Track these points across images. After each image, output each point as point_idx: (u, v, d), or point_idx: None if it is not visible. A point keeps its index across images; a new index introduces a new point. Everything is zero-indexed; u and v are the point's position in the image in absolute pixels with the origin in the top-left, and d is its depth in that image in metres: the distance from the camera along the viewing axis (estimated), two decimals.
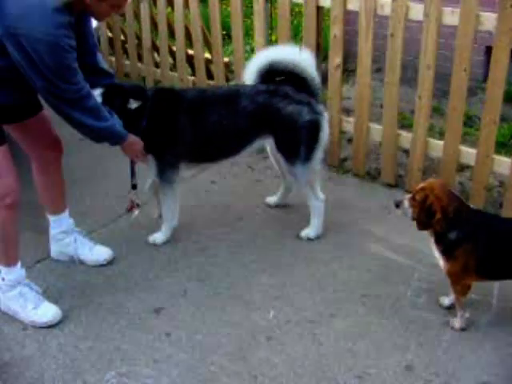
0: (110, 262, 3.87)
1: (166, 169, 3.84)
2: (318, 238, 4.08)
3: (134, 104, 3.61)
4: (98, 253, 3.86)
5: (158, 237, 4.02)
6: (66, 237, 3.84)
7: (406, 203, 3.17)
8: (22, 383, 3.02)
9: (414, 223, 3.19)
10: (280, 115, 3.78)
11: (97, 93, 3.45)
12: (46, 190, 3.71)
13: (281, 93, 3.79)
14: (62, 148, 3.63)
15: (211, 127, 3.80)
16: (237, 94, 3.83)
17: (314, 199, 4.04)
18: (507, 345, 3.17)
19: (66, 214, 3.84)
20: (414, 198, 3.14)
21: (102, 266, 3.84)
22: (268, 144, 3.97)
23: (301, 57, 3.82)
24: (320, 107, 3.88)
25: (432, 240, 3.20)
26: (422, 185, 3.16)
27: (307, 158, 3.86)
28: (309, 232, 4.09)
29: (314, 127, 3.82)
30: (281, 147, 3.87)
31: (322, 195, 4.06)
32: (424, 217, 3.10)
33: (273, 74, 3.84)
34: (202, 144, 3.85)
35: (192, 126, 3.77)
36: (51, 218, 3.82)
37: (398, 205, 3.23)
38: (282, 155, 3.89)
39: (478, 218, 3.16)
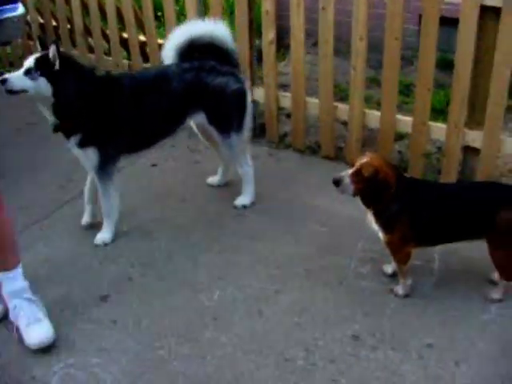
0: (55, 253, 3.81)
1: (107, 162, 3.73)
2: (252, 204, 4.18)
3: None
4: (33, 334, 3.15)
5: (106, 235, 3.89)
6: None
7: (347, 180, 3.07)
8: None
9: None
10: (209, 89, 3.81)
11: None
12: None
13: (206, 67, 3.82)
14: None
15: (147, 113, 3.77)
16: (165, 75, 3.82)
17: (245, 166, 4.12)
18: (449, 307, 3.24)
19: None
20: (357, 174, 3.05)
21: (45, 257, 3.78)
22: (196, 120, 3.98)
23: (217, 29, 3.84)
24: (242, 76, 4.00)
25: (370, 213, 3.21)
26: (363, 160, 3.07)
27: (239, 126, 3.96)
28: (243, 199, 4.16)
29: (241, 95, 3.93)
30: (213, 120, 3.92)
31: (250, 162, 4.15)
32: (374, 192, 3.06)
33: (191, 50, 3.84)
34: (140, 132, 3.81)
35: (131, 114, 3.72)
36: None
37: (337, 182, 3.09)
38: (216, 128, 3.94)
39: (413, 186, 3.19)
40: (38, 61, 3.45)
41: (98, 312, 3.35)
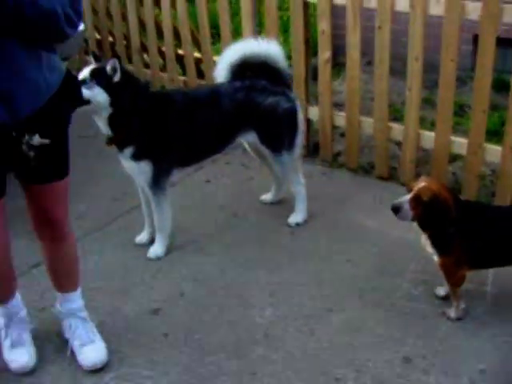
0: (108, 265, 3.87)
1: (160, 176, 3.77)
2: (305, 222, 4.18)
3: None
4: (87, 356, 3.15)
5: (159, 249, 3.93)
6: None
7: (407, 206, 3.02)
8: None
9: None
10: (260, 108, 3.85)
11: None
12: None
13: (258, 87, 3.86)
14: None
15: (200, 129, 3.82)
16: (217, 94, 3.88)
17: (297, 184, 4.14)
18: (503, 333, 3.18)
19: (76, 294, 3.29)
20: (416, 199, 3.01)
21: (98, 268, 3.84)
22: (247, 139, 4.02)
23: (271, 49, 3.87)
24: (293, 95, 4.02)
25: (424, 235, 3.19)
26: (421, 184, 3.04)
27: (291, 144, 3.98)
28: (296, 217, 4.17)
29: (293, 115, 3.96)
30: (265, 139, 3.96)
31: (303, 180, 4.17)
32: (433, 217, 3.02)
33: (244, 68, 3.88)
34: (192, 147, 3.86)
35: (184, 129, 3.77)
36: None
37: (396, 209, 3.05)
38: (268, 147, 3.97)
39: (468, 209, 3.16)
40: (93, 72, 3.51)
41: (149, 325, 3.39)
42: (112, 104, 3.52)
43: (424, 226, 3.13)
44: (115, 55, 6.31)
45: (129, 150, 3.67)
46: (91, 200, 4.59)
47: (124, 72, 3.57)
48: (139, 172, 3.75)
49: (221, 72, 3.94)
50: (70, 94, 2.75)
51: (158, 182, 3.78)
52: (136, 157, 3.69)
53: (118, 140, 3.67)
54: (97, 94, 3.49)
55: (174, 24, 5.61)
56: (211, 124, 3.85)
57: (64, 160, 2.95)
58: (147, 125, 3.67)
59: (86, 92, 3.46)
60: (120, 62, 3.52)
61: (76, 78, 3.09)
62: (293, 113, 3.96)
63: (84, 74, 3.53)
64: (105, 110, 3.54)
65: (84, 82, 3.49)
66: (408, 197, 3.04)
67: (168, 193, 3.88)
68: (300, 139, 4.06)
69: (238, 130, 3.94)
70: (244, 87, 3.86)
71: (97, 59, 3.65)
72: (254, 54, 3.85)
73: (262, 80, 3.88)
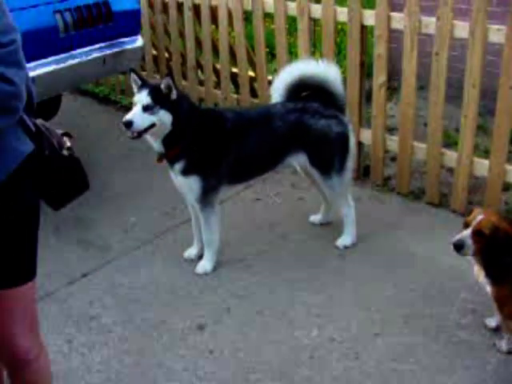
0: (156, 278, 3.90)
1: (209, 192, 3.80)
2: (354, 245, 4.16)
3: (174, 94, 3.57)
4: None
5: (207, 265, 3.95)
6: None
7: (469, 241, 2.96)
8: None
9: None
10: (312, 131, 3.87)
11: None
12: None
13: (310, 109, 3.88)
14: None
15: (249, 148, 3.85)
16: (269, 114, 3.91)
17: (346, 207, 4.13)
18: None
19: None
20: (477, 233, 2.95)
21: (146, 281, 3.88)
22: (297, 161, 4.02)
23: (328, 71, 3.89)
24: (346, 119, 4.02)
25: (478, 265, 3.14)
26: (480, 217, 2.97)
27: (341, 168, 3.98)
28: (345, 240, 4.16)
29: (344, 138, 3.96)
30: (315, 162, 3.96)
31: (352, 202, 4.15)
32: (496, 249, 2.95)
33: (300, 88, 3.91)
34: (241, 165, 3.89)
35: (233, 147, 3.81)
36: None
37: (459, 246, 2.98)
38: (318, 169, 3.98)
39: None
40: (153, 94, 3.55)
41: (195, 340, 3.40)
42: (173, 123, 3.58)
43: (485, 259, 3.06)
44: (170, 72, 6.39)
45: (179, 166, 3.72)
46: (141, 213, 4.65)
47: (177, 89, 3.64)
48: (188, 187, 3.79)
49: (277, 90, 3.97)
50: (37, 178, 2.20)
51: (206, 197, 3.81)
52: (186, 172, 3.73)
53: (170, 156, 3.72)
54: (162, 117, 3.56)
55: (230, 42, 5.66)
56: (261, 144, 3.88)
57: (22, 261, 2.22)
58: (198, 141, 3.71)
59: (151, 118, 3.54)
60: (173, 80, 3.58)
61: (58, 157, 2.27)
62: (344, 137, 3.96)
63: (143, 98, 3.55)
64: (166, 130, 3.60)
65: (147, 107, 3.53)
66: (469, 232, 2.97)
67: (217, 209, 3.91)
68: (351, 163, 4.05)
69: (288, 151, 3.96)
70: (296, 109, 3.88)
71: (141, 79, 3.69)
72: (312, 74, 3.88)
73: (315, 102, 3.90)
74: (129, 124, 3.53)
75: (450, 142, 5.04)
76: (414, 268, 3.92)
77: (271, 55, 6.30)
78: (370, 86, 4.75)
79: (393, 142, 4.72)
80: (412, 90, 4.42)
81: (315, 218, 4.43)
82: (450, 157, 4.45)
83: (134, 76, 3.69)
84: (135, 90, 3.66)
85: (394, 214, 4.54)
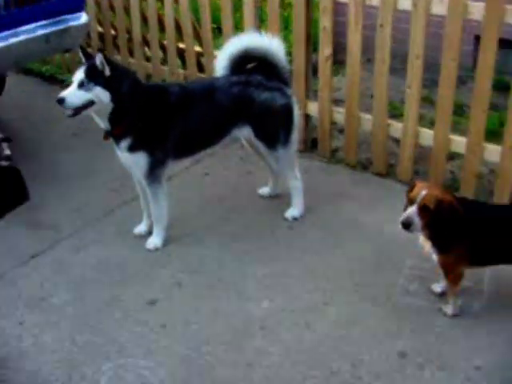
0: (106, 255, 3.89)
1: (156, 167, 3.80)
2: (302, 216, 4.20)
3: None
4: None
5: (157, 240, 3.96)
6: None
7: (416, 218, 3.00)
8: (20, 377, 3.06)
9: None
10: (255, 104, 3.89)
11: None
12: None
13: (253, 82, 3.90)
14: None
15: (194, 121, 3.85)
16: (213, 87, 3.92)
17: (293, 179, 4.18)
18: (499, 330, 3.21)
19: None
20: (423, 210, 2.99)
21: (97, 259, 3.87)
22: (243, 134, 4.04)
23: (273, 44, 3.90)
24: (290, 91, 4.04)
25: (424, 236, 3.21)
26: (423, 192, 3.00)
27: (286, 140, 4.01)
28: (293, 212, 4.20)
29: (288, 110, 3.99)
30: (260, 134, 3.99)
31: (299, 174, 4.19)
32: (443, 222, 3.01)
33: (244, 61, 3.92)
34: (186, 139, 3.88)
35: (179, 121, 3.80)
36: None
37: (408, 224, 3.02)
38: (263, 142, 4.01)
39: (467, 208, 3.17)
40: (88, 72, 3.53)
41: (147, 315, 3.41)
42: (112, 99, 3.55)
43: (432, 232, 3.12)
44: (117, 48, 6.33)
45: (125, 143, 3.70)
46: (89, 191, 4.62)
47: (113, 65, 3.59)
48: (135, 163, 3.78)
49: (221, 63, 3.97)
50: None
51: (153, 173, 3.81)
52: (132, 149, 3.72)
53: (116, 133, 3.70)
54: (99, 94, 3.53)
55: (175, 18, 5.62)
56: (206, 117, 3.88)
57: None
58: (143, 117, 3.70)
59: (86, 94, 3.51)
60: (105, 56, 3.53)
61: None
62: (288, 109, 3.99)
63: (79, 76, 3.54)
64: (107, 107, 3.57)
65: (82, 84, 3.51)
66: (414, 209, 3.02)
67: (164, 184, 3.91)
68: (295, 135, 4.08)
69: (232, 124, 3.97)
70: (240, 82, 3.89)
71: (86, 56, 3.66)
72: (255, 47, 3.88)
73: (258, 75, 3.92)
74: (61, 101, 3.51)
75: (397, 114, 5.10)
76: (362, 238, 3.98)
77: (219, 30, 6.28)
78: (318, 59, 4.77)
79: (339, 114, 4.76)
80: (357, 61, 4.45)
81: (264, 190, 4.46)
82: (396, 127, 4.51)
83: (80, 54, 3.67)
84: None
85: (342, 185, 4.59)
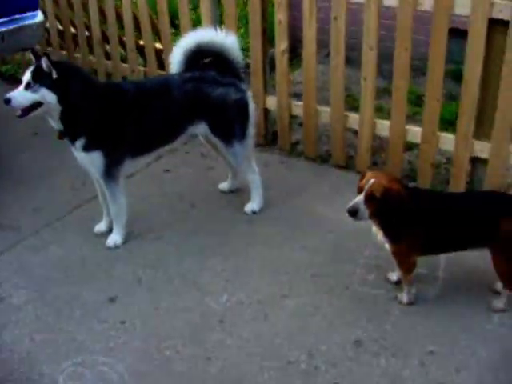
0: (67, 254, 3.89)
1: (112, 166, 3.80)
2: (260, 210, 4.23)
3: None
4: None
5: (117, 238, 3.97)
6: None
7: (363, 206, 3.05)
8: None
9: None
10: (210, 100, 3.91)
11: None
12: None
13: (207, 78, 3.91)
14: None
15: (149, 119, 3.86)
16: (167, 84, 3.94)
17: (251, 173, 4.21)
18: (453, 316, 3.28)
19: None
20: (370, 198, 3.04)
21: (57, 258, 3.87)
22: (199, 130, 4.05)
23: (226, 39, 3.93)
24: (244, 86, 4.06)
25: (375, 225, 3.25)
26: (371, 181, 3.05)
27: (242, 135, 4.04)
28: (252, 206, 4.24)
29: (243, 105, 4.01)
30: (216, 130, 4.02)
31: (256, 168, 4.23)
32: (389, 210, 3.06)
33: (199, 56, 3.93)
34: (142, 137, 3.88)
35: (133, 120, 3.80)
36: None
37: (353, 212, 3.07)
38: (219, 137, 4.03)
39: (418, 197, 3.22)
40: (34, 73, 3.52)
41: (106, 312, 3.43)
42: (60, 101, 3.54)
43: (381, 220, 3.18)
44: (76, 46, 6.30)
45: (80, 142, 3.70)
46: (49, 191, 4.61)
47: (61, 66, 3.58)
48: (91, 163, 3.77)
49: (176, 58, 3.97)
50: None
51: (110, 172, 3.81)
52: (87, 148, 3.71)
53: (69, 133, 3.70)
54: (45, 95, 3.52)
55: (134, 13, 5.60)
56: (161, 114, 3.89)
57: None
58: (96, 116, 3.69)
59: (33, 95, 3.51)
60: (49, 58, 3.50)
61: None
62: (243, 103, 4.01)
63: (26, 77, 3.54)
64: (55, 108, 3.57)
65: (28, 85, 3.51)
66: (361, 197, 3.07)
67: (121, 183, 3.91)
68: (251, 130, 4.11)
69: (188, 121, 3.98)
70: (193, 78, 3.91)
71: (36, 56, 3.63)
72: (210, 42, 3.90)
73: (212, 71, 3.93)
74: (8, 101, 3.53)
75: (356, 106, 5.14)
76: (321, 229, 4.02)
77: (178, 26, 6.27)
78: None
79: (298, 108, 4.80)
80: (312, 55, 4.50)
81: (224, 185, 4.49)
82: (353, 119, 4.56)
83: (30, 54, 3.66)
84: None
85: (301, 179, 4.64)
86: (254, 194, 4.22)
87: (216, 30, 3.97)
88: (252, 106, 4.08)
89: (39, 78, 3.50)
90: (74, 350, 3.18)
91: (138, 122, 3.80)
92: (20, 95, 3.53)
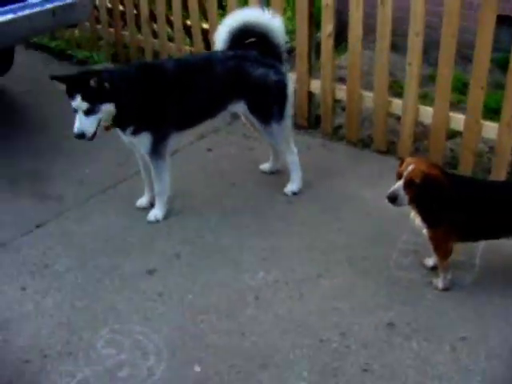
0: (109, 226, 3.99)
1: (159, 144, 3.88)
2: (300, 192, 4.26)
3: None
4: None
5: (158, 213, 4.04)
6: None
7: (402, 192, 3.09)
8: (21, 339, 3.16)
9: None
10: (250, 79, 3.95)
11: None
12: None
13: (249, 57, 3.95)
14: None
15: (192, 94, 3.91)
16: (209, 61, 4.00)
17: (289, 154, 4.24)
18: (487, 303, 3.28)
19: None
20: (409, 184, 3.07)
21: (99, 229, 3.97)
22: (239, 108, 4.11)
23: (271, 21, 3.95)
24: (284, 68, 4.08)
25: (414, 211, 3.27)
26: (410, 167, 3.09)
27: (280, 116, 4.07)
28: (292, 187, 4.28)
29: (282, 87, 4.03)
30: (254, 109, 4.06)
31: (295, 149, 4.25)
32: (428, 196, 3.08)
33: (243, 36, 3.97)
34: (186, 111, 3.95)
35: (176, 96, 3.86)
36: None
37: (393, 199, 3.11)
38: (256, 117, 4.08)
39: (457, 183, 3.22)
40: (86, 97, 3.52)
41: (145, 284, 3.51)
42: (116, 106, 3.63)
43: (419, 206, 3.19)
44: (125, 24, 6.37)
45: (129, 130, 3.80)
46: (95, 165, 4.71)
47: (104, 76, 3.61)
48: (140, 144, 3.88)
49: (221, 36, 4.02)
50: None
51: (157, 149, 3.90)
52: (136, 133, 3.81)
53: (118, 125, 3.79)
54: (106, 109, 3.60)
55: None
56: (203, 89, 3.94)
57: None
58: (141, 104, 3.76)
59: (97, 117, 3.59)
60: (101, 78, 3.54)
61: None
62: (282, 85, 4.04)
63: (79, 103, 3.52)
64: (112, 114, 3.67)
65: (88, 111, 3.54)
66: (401, 183, 3.10)
67: (167, 160, 3.98)
68: (289, 111, 4.14)
69: (228, 98, 4.03)
70: (236, 56, 3.95)
71: (62, 80, 3.60)
72: (256, 23, 3.94)
73: (254, 51, 3.97)
74: (82, 136, 3.60)
75: (400, 92, 5.12)
76: (359, 213, 4.04)
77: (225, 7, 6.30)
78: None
79: (342, 92, 4.80)
80: (358, 39, 4.49)
81: (265, 166, 4.52)
82: (397, 105, 4.55)
83: (54, 82, 3.63)
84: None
85: (342, 162, 4.65)
86: (294, 175, 4.25)
87: (263, 10, 4.00)
88: (291, 89, 4.12)
89: (94, 98, 3.54)
90: (112, 318, 3.27)
91: (180, 98, 3.86)
92: (88, 125, 3.58)
